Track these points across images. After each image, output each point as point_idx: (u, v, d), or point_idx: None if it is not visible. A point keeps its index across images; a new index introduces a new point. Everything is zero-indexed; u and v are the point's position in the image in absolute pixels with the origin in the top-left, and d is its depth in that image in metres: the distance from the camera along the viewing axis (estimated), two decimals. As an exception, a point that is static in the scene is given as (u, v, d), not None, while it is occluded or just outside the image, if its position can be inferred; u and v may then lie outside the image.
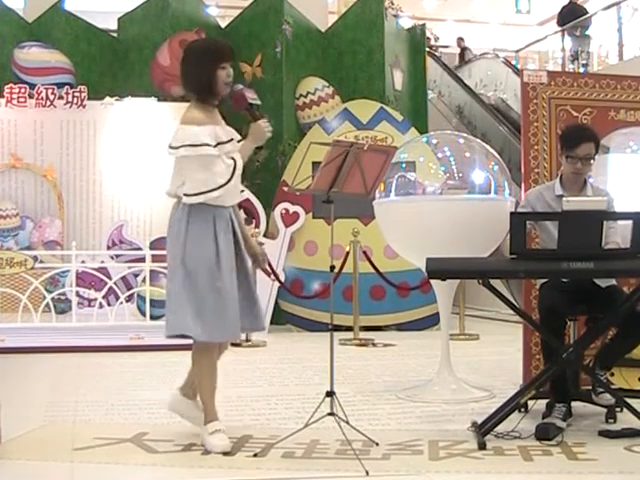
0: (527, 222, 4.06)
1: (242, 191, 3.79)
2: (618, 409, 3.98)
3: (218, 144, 3.42)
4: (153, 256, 7.48)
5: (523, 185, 4.72)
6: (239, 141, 3.60)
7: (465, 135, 5.73)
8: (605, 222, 3.95)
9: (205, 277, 3.40)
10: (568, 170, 4.10)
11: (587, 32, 13.44)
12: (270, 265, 7.90)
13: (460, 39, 17.00)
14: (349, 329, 7.72)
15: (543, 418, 3.86)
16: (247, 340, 7.28)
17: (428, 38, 15.28)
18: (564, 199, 3.75)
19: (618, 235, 4.00)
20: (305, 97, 9.60)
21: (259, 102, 3.58)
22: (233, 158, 3.45)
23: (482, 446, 3.48)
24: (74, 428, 3.92)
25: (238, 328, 3.50)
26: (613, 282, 4.06)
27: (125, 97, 9.73)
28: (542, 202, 4.15)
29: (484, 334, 7.98)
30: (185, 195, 3.43)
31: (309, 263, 8.49)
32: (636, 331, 3.85)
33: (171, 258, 3.49)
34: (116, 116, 9.64)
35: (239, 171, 3.43)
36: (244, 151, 3.51)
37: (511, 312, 4.05)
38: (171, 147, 3.44)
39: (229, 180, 3.40)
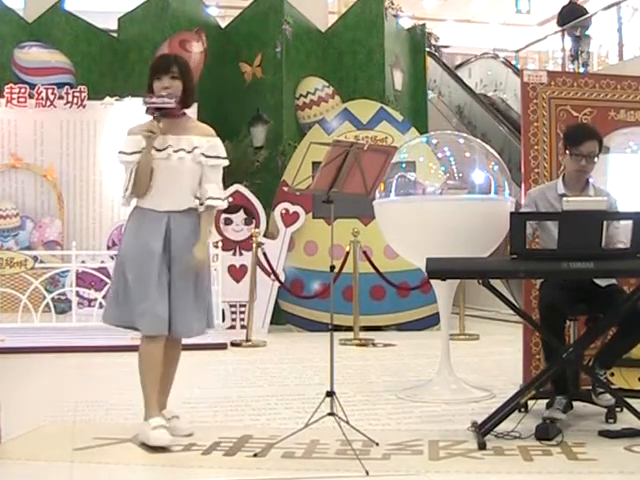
0: (531, 223, 4.07)
1: (201, 203, 3.67)
2: (618, 409, 3.98)
3: (135, 152, 3.54)
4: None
5: (523, 185, 4.72)
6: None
7: (465, 135, 5.72)
8: (610, 223, 3.97)
9: (125, 271, 3.55)
10: (572, 168, 4.10)
11: (587, 32, 13.44)
12: (270, 265, 7.90)
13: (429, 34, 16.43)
14: (349, 329, 7.72)
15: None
16: (247, 340, 7.29)
17: (429, 34, 15.19)
18: (564, 199, 3.76)
19: (622, 235, 4.00)
20: (305, 97, 9.60)
21: (166, 105, 3.52)
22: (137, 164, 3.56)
23: (482, 446, 3.48)
24: (74, 428, 3.92)
25: (161, 324, 3.51)
26: (613, 281, 4.06)
27: (125, 97, 9.73)
28: (544, 201, 4.15)
29: (484, 334, 7.98)
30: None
31: (309, 263, 8.49)
32: (635, 330, 3.85)
33: None
34: (116, 116, 9.63)
35: (132, 177, 3.53)
36: (141, 157, 3.55)
37: (511, 312, 4.05)
38: None
39: (127, 186, 3.56)
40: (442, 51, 16.13)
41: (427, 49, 14.03)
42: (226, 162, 3.70)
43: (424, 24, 11.64)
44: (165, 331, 3.54)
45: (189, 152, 3.58)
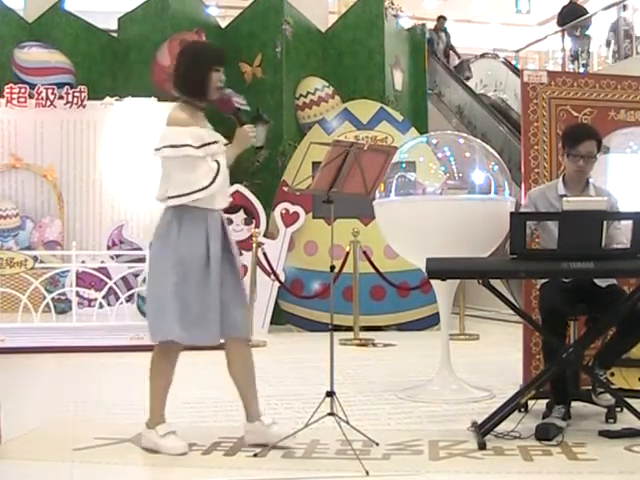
0: (530, 224, 4.06)
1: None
2: (618, 409, 3.98)
3: (202, 145, 3.38)
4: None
5: (523, 185, 4.72)
6: (226, 145, 3.55)
7: (465, 135, 5.73)
8: (611, 223, 3.96)
9: (195, 280, 3.38)
10: (571, 169, 4.10)
11: (587, 32, 13.45)
12: (270, 265, 7.90)
13: (442, 17, 15.82)
14: (349, 329, 7.72)
15: (543, 418, 3.86)
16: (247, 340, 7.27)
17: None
18: (564, 199, 3.76)
19: (623, 236, 4.00)
20: (305, 97, 9.60)
21: (247, 108, 3.53)
22: (217, 161, 3.41)
23: (482, 446, 3.49)
24: (74, 428, 3.92)
25: (218, 332, 3.45)
26: (613, 282, 4.06)
27: (125, 97, 9.74)
28: (544, 201, 4.15)
29: (484, 334, 7.98)
30: (168, 197, 3.41)
31: (309, 263, 8.49)
32: (635, 330, 3.85)
33: (159, 262, 3.44)
34: (116, 116, 9.64)
35: (223, 174, 3.40)
36: (229, 155, 3.48)
37: (511, 312, 4.05)
38: (155, 149, 3.44)
39: (212, 182, 3.36)
40: (455, 48, 15.90)
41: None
42: None
43: (424, 24, 11.64)
44: (219, 338, 3.47)
45: (225, 145, 3.53)
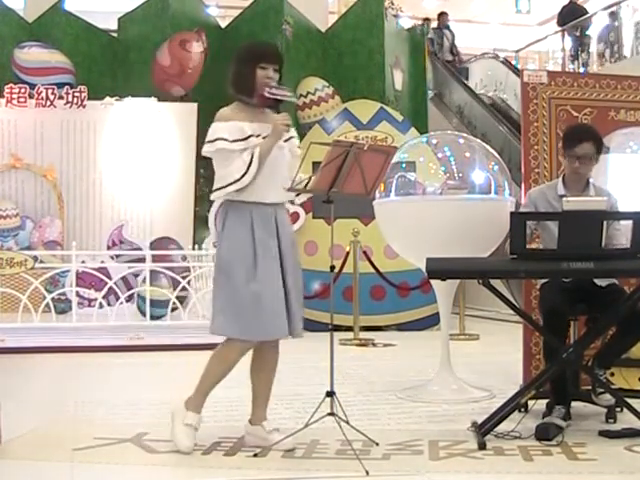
0: (530, 224, 4.06)
1: (298, 194, 3.69)
2: (618, 409, 3.98)
3: (242, 139, 3.37)
4: (153, 256, 7.49)
5: (523, 185, 4.72)
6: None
7: (465, 135, 5.73)
8: (610, 224, 3.96)
9: (241, 277, 3.37)
10: (568, 170, 4.11)
11: (587, 32, 13.45)
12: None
13: (443, 14, 15.63)
14: (349, 329, 7.72)
15: (543, 418, 3.86)
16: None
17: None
18: (564, 199, 3.76)
19: (623, 236, 4.00)
20: (305, 97, 9.60)
21: (292, 99, 3.53)
22: (252, 153, 3.38)
23: (482, 446, 3.49)
24: (74, 428, 3.92)
25: (276, 327, 3.46)
26: (614, 281, 4.05)
27: (125, 97, 9.74)
28: (544, 201, 4.15)
29: (484, 334, 7.97)
30: (211, 192, 3.46)
31: (309, 263, 8.45)
32: (635, 330, 3.85)
33: (215, 259, 3.54)
34: (116, 116, 9.65)
35: (255, 165, 3.35)
36: (263, 145, 3.41)
37: (511, 312, 4.05)
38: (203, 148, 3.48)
39: (244, 175, 3.34)
40: (459, 50, 15.82)
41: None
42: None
43: (424, 23, 11.64)
44: (286, 333, 3.50)
45: (286, 141, 3.52)
